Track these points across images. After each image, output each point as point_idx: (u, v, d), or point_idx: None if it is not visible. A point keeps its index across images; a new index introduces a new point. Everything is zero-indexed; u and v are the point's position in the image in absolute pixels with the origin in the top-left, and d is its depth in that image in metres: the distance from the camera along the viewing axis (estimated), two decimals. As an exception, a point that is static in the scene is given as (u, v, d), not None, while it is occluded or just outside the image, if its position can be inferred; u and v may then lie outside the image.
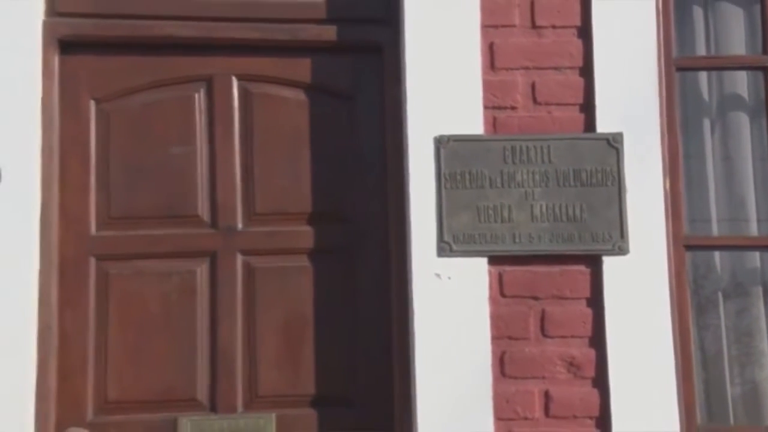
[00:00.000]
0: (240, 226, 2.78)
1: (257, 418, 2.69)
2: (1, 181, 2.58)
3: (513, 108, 2.76)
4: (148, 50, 2.81)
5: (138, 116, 2.80)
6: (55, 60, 2.74)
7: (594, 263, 2.69)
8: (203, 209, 2.78)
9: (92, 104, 2.79)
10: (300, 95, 2.86)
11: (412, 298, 2.65)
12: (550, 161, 2.72)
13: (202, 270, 2.75)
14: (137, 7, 2.80)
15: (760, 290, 2.95)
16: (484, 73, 2.75)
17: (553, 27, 2.80)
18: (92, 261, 2.72)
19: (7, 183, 2.57)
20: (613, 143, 2.73)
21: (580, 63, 2.78)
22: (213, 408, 2.69)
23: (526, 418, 2.62)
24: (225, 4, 2.83)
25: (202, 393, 2.69)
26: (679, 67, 2.92)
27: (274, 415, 2.69)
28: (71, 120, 2.76)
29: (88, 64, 2.79)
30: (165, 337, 2.71)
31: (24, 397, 2.51)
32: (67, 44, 2.76)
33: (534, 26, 2.80)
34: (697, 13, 3.06)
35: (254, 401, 2.70)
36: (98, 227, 2.75)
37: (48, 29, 2.72)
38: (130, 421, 2.66)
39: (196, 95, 2.83)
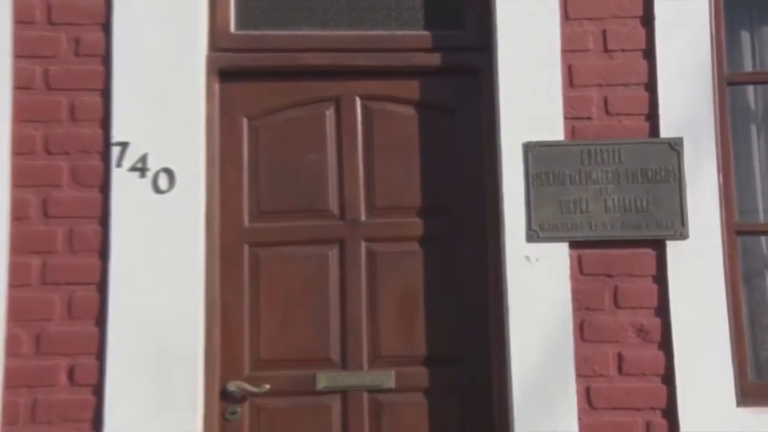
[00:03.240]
0: (363, 218, 2.84)
1: (380, 374, 2.76)
2: (176, 185, 2.67)
3: (589, 118, 2.78)
4: (289, 77, 2.87)
5: (281, 130, 2.87)
6: (216, 87, 2.83)
7: (659, 247, 2.70)
8: (333, 204, 2.84)
9: (245, 121, 2.86)
10: (411, 111, 2.89)
11: (505, 277, 2.69)
12: (620, 162, 2.73)
13: (333, 254, 2.81)
14: (281, 42, 2.88)
15: (801, 267, 2.95)
16: (564, 89, 2.78)
17: (622, 50, 2.81)
18: (246, 247, 2.80)
19: (180, 186, 2.67)
20: (675, 146, 2.73)
21: (645, 80, 2.79)
22: (344, 365, 2.76)
23: (602, 375, 2.65)
24: (351, 37, 2.89)
25: (335, 353, 2.77)
26: (730, 81, 2.90)
27: (393, 372, 2.76)
28: (228, 134, 2.84)
29: (241, 89, 2.86)
30: (304, 308, 2.78)
31: (195, 357, 2.62)
32: (226, 74, 2.84)
33: (606, 50, 2.81)
34: (745, 35, 3.03)
35: (377, 360, 2.77)
36: (250, 220, 2.82)
37: (210, 62, 2.81)
38: (279, 375, 2.73)
39: (327, 112, 2.89)
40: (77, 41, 2.74)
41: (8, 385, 2.57)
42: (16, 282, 2.62)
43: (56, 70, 2.72)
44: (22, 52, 2.72)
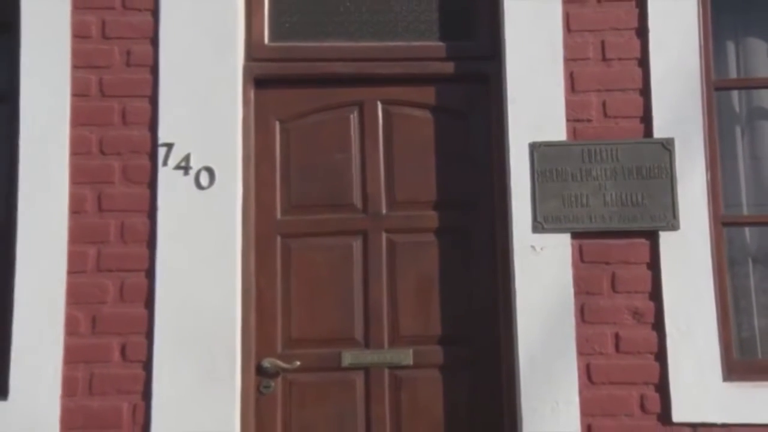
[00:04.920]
0: (384, 211, 2.86)
1: (399, 352, 2.79)
2: (216, 182, 2.70)
3: (589, 120, 2.79)
4: (317, 84, 2.90)
5: (310, 132, 2.90)
6: (251, 93, 2.85)
7: (652, 237, 2.72)
8: (357, 199, 2.87)
9: (277, 124, 2.89)
10: (427, 114, 2.91)
11: (513, 265, 2.71)
12: (617, 160, 2.75)
13: (356, 244, 2.84)
14: (310, 52, 2.91)
15: (780, 256, 2.95)
16: (567, 94, 2.79)
17: (619, 59, 2.82)
18: (278, 238, 2.84)
19: (219, 183, 2.72)
20: (667, 146, 2.75)
21: (640, 86, 2.80)
22: (366, 344, 2.80)
23: (601, 353, 2.68)
24: (373, 48, 2.92)
25: (358, 333, 2.80)
26: (717, 87, 2.91)
27: (411, 350, 2.79)
28: (262, 136, 2.87)
29: (274, 95, 2.89)
30: (331, 293, 2.81)
31: (233, 337, 2.66)
32: (260, 81, 2.87)
33: (604, 59, 2.82)
34: (730, 45, 3.03)
35: (396, 340, 2.80)
36: (282, 213, 2.86)
37: (246, 71, 2.85)
38: (308, 353, 2.77)
39: (351, 116, 2.91)
40: (128, 53, 2.78)
41: (68, 361, 2.63)
42: (74, 269, 2.67)
43: (110, 79, 2.77)
44: (79, 63, 2.77)
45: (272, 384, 2.76)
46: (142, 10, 2.81)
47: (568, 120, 2.79)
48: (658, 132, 2.77)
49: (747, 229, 2.96)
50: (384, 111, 2.93)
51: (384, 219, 2.87)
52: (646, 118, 2.79)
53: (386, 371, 2.80)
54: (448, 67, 2.92)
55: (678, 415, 2.63)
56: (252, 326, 2.77)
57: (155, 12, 2.80)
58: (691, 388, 2.64)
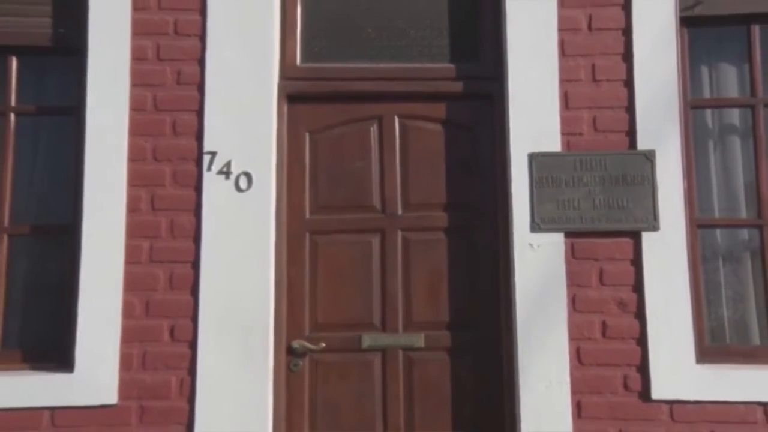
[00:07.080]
0: (400, 212, 2.94)
1: (412, 336, 2.88)
2: (253, 186, 2.79)
3: (580, 134, 2.86)
4: (342, 100, 2.98)
5: (335, 142, 2.98)
6: (285, 108, 2.95)
7: (635, 236, 2.80)
8: (376, 201, 2.96)
9: (307, 135, 2.99)
10: (438, 127, 2.99)
11: (513, 260, 2.79)
12: (605, 169, 2.82)
13: (375, 241, 2.93)
14: (336, 73, 3.00)
15: (746, 254, 2.99)
16: (561, 111, 2.86)
17: (607, 80, 2.90)
18: (307, 235, 2.93)
19: (256, 186, 2.81)
20: (649, 157, 2.82)
21: (625, 104, 2.87)
22: (383, 329, 2.88)
23: (589, 339, 2.76)
24: (391, 69, 3.01)
25: (376, 319, 2.89)
26: (693, 105, 2.99)
27: (423, 335, 2.88)
28: (294, 145, 2.96)
29: (305, 110, 2.98)
30: (353, 283, 2.90)
31: (266, 321, 2.75)
32: (292, 98, 2.97)
33: (594, 80, 2.89)
34: (705, 69, 3.09)
35: (410, 325, 2.89)
36: (311, 213, 2.94)
37: (281, 89, 2.95)
38: (332, 336, 2.86)
39: (372, 128, 3.00)
40: (179, 73, 2.90)
41: (124, 340, 2.75)
42: (130, 260, 2.78)
43: (162, 95, 2.88)
44: (137, 81, 2.88)
45: (301, 363, 2.85)
46: (192, 36, 2.92)
47: (562, 133, 2.87)
48: (641, 144, 2.85)
49: (718, 231, 3.03)
50: (400, 124, 3.01)
51: (400, 219, 2.95)
52: (631, 133, 2.87)
53: (401, 353, 2.88)
54: (457, 86, 3.00)
55: (656, 393, 2.72)
56: (283, 312, 2.86)
57: (203, 37, 2.91)
58: (668, 370, 2.72)
